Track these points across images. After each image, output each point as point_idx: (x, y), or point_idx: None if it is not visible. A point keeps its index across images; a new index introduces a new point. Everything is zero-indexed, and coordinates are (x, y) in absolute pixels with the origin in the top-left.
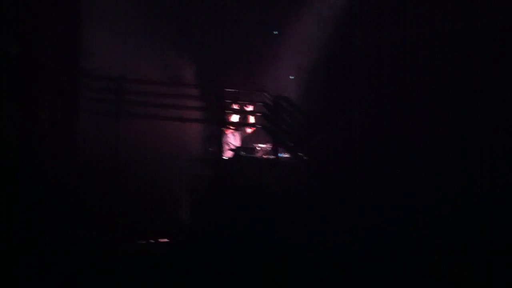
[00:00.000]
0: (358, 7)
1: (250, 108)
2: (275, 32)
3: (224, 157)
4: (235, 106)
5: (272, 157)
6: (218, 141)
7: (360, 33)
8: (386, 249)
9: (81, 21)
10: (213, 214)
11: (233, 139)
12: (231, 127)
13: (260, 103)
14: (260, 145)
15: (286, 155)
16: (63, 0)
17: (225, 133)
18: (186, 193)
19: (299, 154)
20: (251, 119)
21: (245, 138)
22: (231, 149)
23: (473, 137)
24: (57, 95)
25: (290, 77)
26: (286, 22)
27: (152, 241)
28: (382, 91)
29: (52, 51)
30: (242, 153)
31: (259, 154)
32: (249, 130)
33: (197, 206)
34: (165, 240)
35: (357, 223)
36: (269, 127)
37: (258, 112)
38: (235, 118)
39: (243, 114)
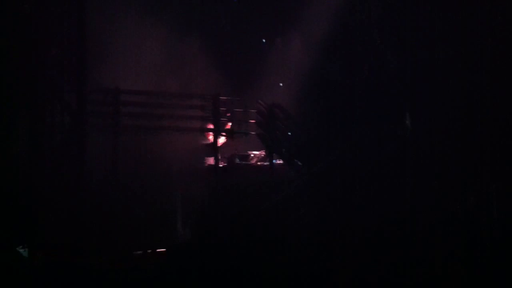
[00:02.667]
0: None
1: (243, 116)
2: (264, 41)
3: (220, 165)
4: (229, 115)
5: (266, 163)
6: (214, 150)
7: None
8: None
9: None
10: (214, 222)
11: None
12: (224, 135)
13: (253, 111)
14: (254, 152)
15: (280, 161)
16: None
17: (218, 142)
18: (184, 204)
19: (294, 160)
20: (244, 127)
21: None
22: (226, 157)
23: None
24: (64, 110)
25: (280, 84)
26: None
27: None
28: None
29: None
30: (237, 160)
31: (253, 161)
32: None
33: (197, 216)
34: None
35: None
36: (264, 134)
37: (252, 120)
38: (229, 126)
39: (237, 122)
